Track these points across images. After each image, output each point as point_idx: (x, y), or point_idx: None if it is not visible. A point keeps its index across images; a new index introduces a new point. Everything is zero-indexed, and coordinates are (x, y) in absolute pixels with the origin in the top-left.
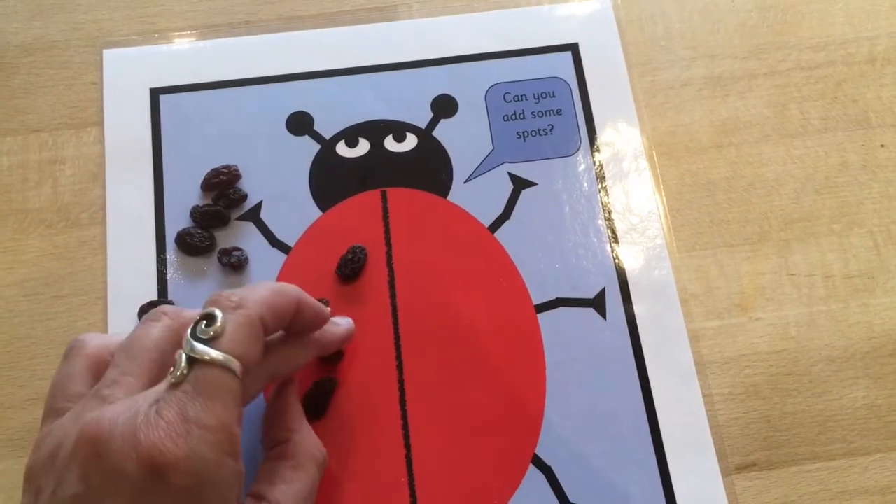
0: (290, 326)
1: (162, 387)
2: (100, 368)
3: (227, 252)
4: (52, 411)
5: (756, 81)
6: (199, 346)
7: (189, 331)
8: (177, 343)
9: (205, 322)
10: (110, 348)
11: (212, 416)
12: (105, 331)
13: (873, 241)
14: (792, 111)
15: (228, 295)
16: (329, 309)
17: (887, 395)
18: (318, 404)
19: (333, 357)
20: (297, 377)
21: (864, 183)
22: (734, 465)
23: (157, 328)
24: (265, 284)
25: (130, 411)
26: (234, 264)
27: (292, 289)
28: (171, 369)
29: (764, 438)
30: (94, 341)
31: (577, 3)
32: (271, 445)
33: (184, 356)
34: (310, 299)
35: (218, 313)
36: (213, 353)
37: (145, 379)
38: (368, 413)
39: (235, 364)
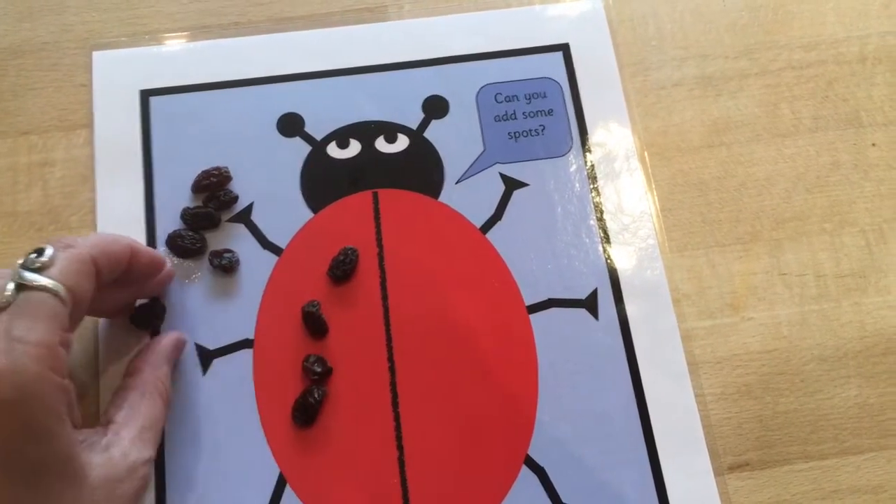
0: (127, 274)
1: None
2: None
3: (218, 254)
4: None
5: (747, 81)
6: (27, 274)
7: (20, 262)
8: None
9: (35, 254)
10: None
11: (34, 333)
12: (96, 333)
13: (865, 241)
14: (783, 111)
15: (61, 237)
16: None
17: (879, 393)
18: (308, 412)
19: (322, 373)
20: (290, 385)
21: (856, 182)
22: (727, 465)
23: None
24: (99, 233)
25: None
26: (226, 266)
27: (125, 238)
28: None
29: (756, 438)
30: None
31: (568, 3)
32: (128, 374)
33: (11, 283)
34: (144, 248)
35: (49, 248)
36: (42, 280)
37: None
38: (360, 415)
39: (61, 289)
